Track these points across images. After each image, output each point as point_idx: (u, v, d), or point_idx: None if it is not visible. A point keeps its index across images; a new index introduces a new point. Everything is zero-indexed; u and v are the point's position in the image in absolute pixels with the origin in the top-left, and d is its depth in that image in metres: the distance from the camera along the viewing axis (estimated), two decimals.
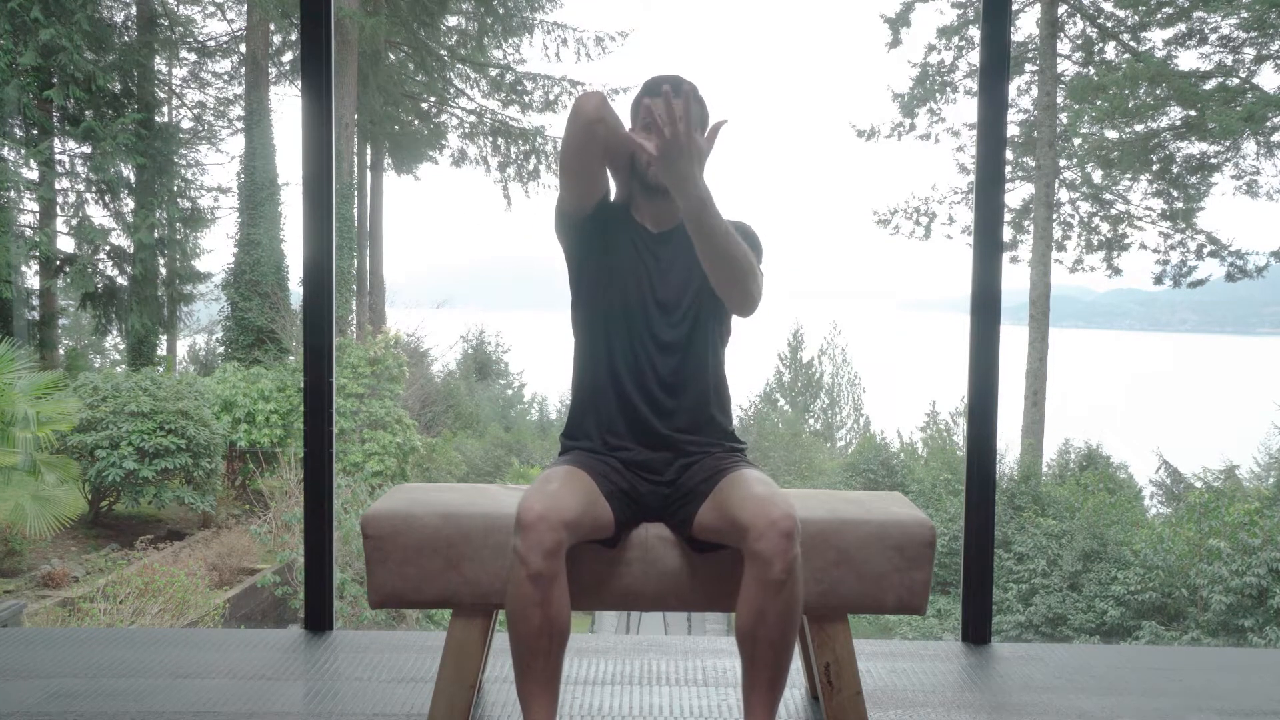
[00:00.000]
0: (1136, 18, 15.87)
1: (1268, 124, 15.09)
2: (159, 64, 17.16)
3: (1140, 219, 16.66)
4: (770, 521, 1.81)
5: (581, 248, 2.14)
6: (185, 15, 17.50)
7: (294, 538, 10.34)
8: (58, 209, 15.02)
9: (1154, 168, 16.35)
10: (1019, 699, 2.44)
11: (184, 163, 16.97)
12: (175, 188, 16.48)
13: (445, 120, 21.28)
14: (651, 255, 2.11)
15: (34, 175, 14.32)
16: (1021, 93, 16.77)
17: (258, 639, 2.80)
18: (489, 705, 2.32)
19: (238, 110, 17.70)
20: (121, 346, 17.15)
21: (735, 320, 2.19)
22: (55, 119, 14.69)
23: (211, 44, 18.01)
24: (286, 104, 21.99)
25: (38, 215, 14.98)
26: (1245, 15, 14.79)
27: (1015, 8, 15.33)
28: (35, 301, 15.00)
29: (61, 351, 16.26)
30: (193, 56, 17.92)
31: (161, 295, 16.61)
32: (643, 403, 2.09)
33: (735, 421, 2.23)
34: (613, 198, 2.18)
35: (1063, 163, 16.81)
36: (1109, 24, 16.43)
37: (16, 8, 13.19)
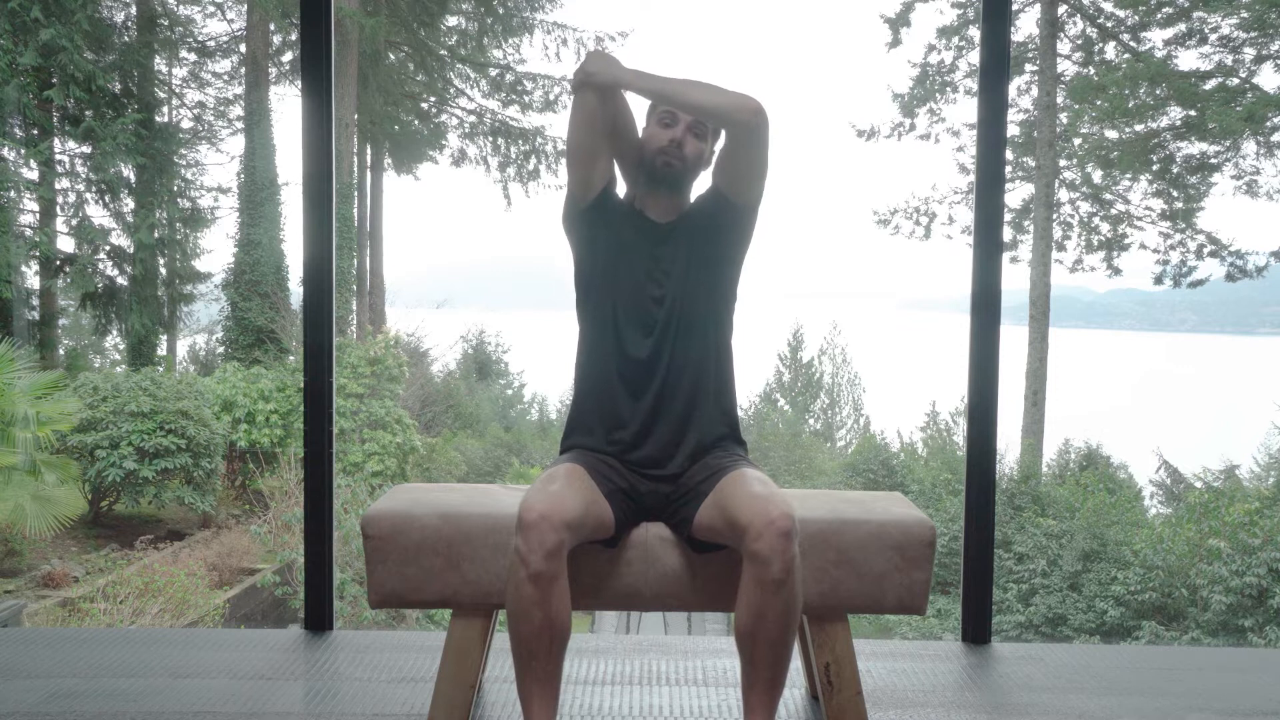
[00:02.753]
0: (1136, 18, 15.86)
1: (1268, 124, 15.08)
2: (159, 64, 17.15)
3: (1140, 219, 16.65)
4: (768, 521, 1.81)
5: (586, 239, 2.16)
6: (185, 15, 17.50)
7: (294, 538, 10.33)
8: (58, 209, 15.01)
9: (1154, 168, 16.33)
10: (1019, 699, 2.44)
11: (184, 163, 16.96)
12: (175, 188, 16.47)
13: (445, 120, 21.28)
14: (654, 246, 2.13)
15: (34, 175, 14.31)
16: (1021, 93, 16.76)
17: (258, 639, 2.80)
18: (489, 705, 2.32)
19: (238, 110, 17.70)
20: (121, 346, 17.14)
21: (737, 318, 2.21)
22: (55, 119, 14.68)
23: (211, 44, 18.01)
24: (286, 104, 22.00)
25: (38, 215, 14.98)
26: (1245, 15, 14.77)
27: (1015, 8, 15.32)
28: (35, 301, 14.99)
29: (61, 351, 16.25)
30: (193, 56, 17.93)
31: (161, 295, 16.60)
32: (643, 393, 2.10)
33: (740, 413, 2.25)
34: (621, 195, 2.21)
35: (1063, 163, 16.80)
36: (1109, 24, 16.43)
37: (16, 8, 13.18)
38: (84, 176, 15.05)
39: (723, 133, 2.14)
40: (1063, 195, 16.95)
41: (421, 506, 2.10)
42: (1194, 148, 16.08)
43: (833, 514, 2.10)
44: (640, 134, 2.16)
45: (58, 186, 14.82)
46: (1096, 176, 16.89)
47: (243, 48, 17.47)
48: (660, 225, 2.14)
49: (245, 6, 17.21)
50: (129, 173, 15.49)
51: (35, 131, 14.18)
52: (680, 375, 2.10)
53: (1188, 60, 17.96)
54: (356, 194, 18.58)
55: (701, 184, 2.20)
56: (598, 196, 2.13)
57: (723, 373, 2.15)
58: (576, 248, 2.18)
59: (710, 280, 2.12)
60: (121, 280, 15.75)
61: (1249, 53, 15.18)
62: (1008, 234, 16.17)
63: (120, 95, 15.46)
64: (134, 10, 16.32)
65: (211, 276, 17.08)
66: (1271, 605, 9.80)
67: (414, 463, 13.89)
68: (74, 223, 15.03)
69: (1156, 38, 15.73)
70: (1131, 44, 16.09)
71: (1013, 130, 16.68)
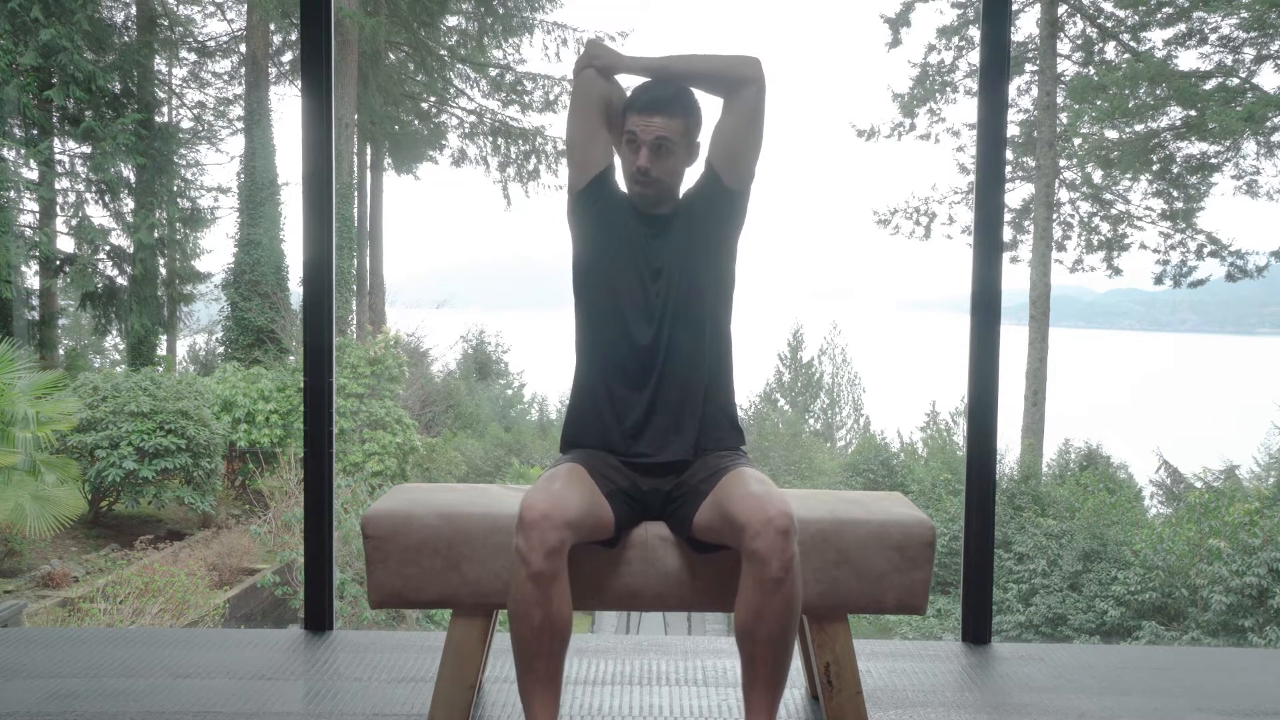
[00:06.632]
0: (1136, 18, 15.85)
1: (1268, 124, 15.07)
2: (159, 64, 17.15)
3: (1140, 219, 16.64)
4: (767, 519, 1.81)
5: (585, 229, 2.17)
6: (185, 15, 17.49)
7: (294, 538, 10.33)
8: (58, 209, 15.02)
9: (1154, 168, 16.33)
10: (1019, 699, 2.44)
11: (184, 163, 16.96)
12: (175, 188, 16.47)
13: (445, 120, 21.27)
14: (651, 236, 2.14)
15: (34, 175, 14.31)
16: (1021, 93, 16.76)
17: (258, 639, 2.80)
18: (489, 705, 2.32)
19: (238, 110, 17.70)
20: (121, 346, 17.14)
21: (738, 316, 2.21)
22: (55, 119, 14.68)
23: (211, 44, 18.01)
24: (286, 104, 22.00)
25: (38, 215, 14.98)
26: (1245, 15, 14.77)
27: (1015, 8, 15.32)
28: (35, 301, 15.00)
29: (61, 351, 16.26)
30: (193, 56, 17.92)
31: (161, 295, 16.60)
32: (644, 380, 2.10)
33: (740, 413, 2.26)
34: (622, 188, 2.21)
35: (1063, 163, 16.79)
36: (1109, 24, 16.42)
37: (16, 8, 13.18)
38: (84, 176, 15.05)
39: (700, 127, 2.16)
40: (1063, 195, 16.95)
41: (421, 506, 2.10)
42: (1194, 148, 16.08)
43: (833, 514, 2.10)
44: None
45: (58, 186, 14.82)
46: (1096, 176, 16.89)
47: (243, 48, 17.47)
48: (656, 217, 2.15)
49: (245, 6, 17.21)
50: (129, 173, 15.49)
51: (35, 131, 14.19)
52: (677, 363, 2.10)
53: (1188, 60, 17.98)
54: (356, 194, 18.58)
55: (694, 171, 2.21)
56: (594, 180, 2.15)
57: (721, 362, 2.15)
58: (577, 239, 2.19)
59: (707, 266, 2.13)
60: (121, 280, 15.75)
61: (1249, 53, 15.17)
62: (1008, 234, 16.17)
63: (120, 95, 15.46)
64: (134, 10, 16.31)
65: (211, 276, 17.09)
66: (1271, 605, 9.80)
67: (414, 463, 13.89)
68: (74, 223, 15.04)
69: (1156, 38, 15.73)
70: (1131, 44, 16.08)
71: (1013, 130, 16.68)
